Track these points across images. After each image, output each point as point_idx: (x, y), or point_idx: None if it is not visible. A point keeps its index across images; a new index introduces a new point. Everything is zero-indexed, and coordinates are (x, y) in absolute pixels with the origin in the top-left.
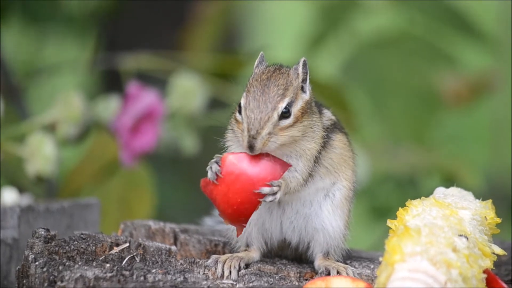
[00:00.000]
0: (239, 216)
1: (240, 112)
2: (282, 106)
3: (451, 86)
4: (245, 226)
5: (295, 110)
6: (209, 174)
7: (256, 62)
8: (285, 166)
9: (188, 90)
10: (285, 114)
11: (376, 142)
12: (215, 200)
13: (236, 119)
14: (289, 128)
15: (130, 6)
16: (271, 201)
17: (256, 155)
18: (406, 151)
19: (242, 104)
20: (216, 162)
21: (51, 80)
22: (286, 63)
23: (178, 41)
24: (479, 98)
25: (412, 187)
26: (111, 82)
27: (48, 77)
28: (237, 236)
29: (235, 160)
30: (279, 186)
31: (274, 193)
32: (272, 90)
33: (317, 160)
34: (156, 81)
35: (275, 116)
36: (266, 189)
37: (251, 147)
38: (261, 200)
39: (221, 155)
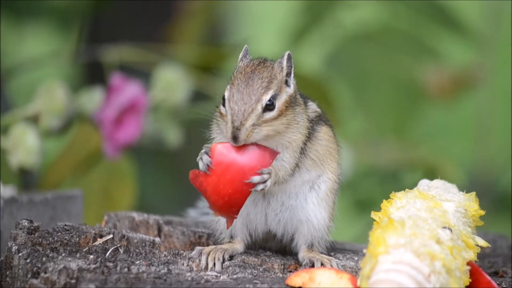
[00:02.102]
0: (231, 207)
1: (224, 105)
2: (266, 98)
3: (435, 79)
4: (236, 217)
5: (279, 103)
6: (200, 165)
7: (240, 56)
8: (274, 153)
9: (172, 82)
10: (269, 107)
11: (359, 137)
12: (205, 192)
13: (220, 112)
14: (273, 121)
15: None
16: (262, 189)
17: (244, 144)
18: (388, 147)
19: (226, 97)
20: (206, 153)
21: (33, 72)
22: (270, 56)
23: (163, 35)
24: (462, 92)
25: (395, 180)
26: (94, 74)
27: (30, 69)
28: (227, 228)
29: (224, 150)
30: (269, 173)
31: (265, 181)
32: (256, 82)
33: (303, 151)
34: (140, 73)
35: (259, 108)
36: (256, 178)
37: (234, 138)
38: (252, 190)
39: (209, 145)
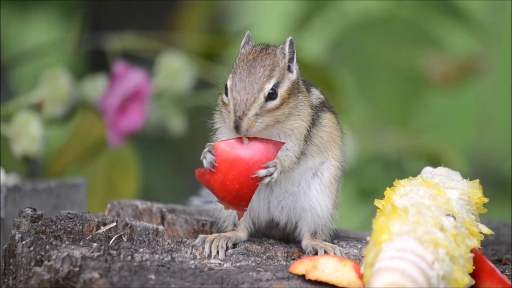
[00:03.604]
0: (240, 201)
1: (226, 94)
2: (268, 87)
3: (439, 67)
4: (246, 210)
5: (281, 91)
6: (205, 163)
7: (242, 42)
8: (278, 145)
9: (175, 70)
10: (271, 95)
11: (363, 124)
12: (213, 189)
13: (223, 101)
14: (276, 110)
15: None
16: (269, 181)
17: (247, 138)
18: (392, 134)
19: (228, 86)
20: (209, 151)
21: (37, 60)
22: (273, 43)
23: (166, 22)
24: (466, 80)
25: (399, 168)
26: (97, 62)
27: (34, 57)
28: (239, 219)
29: (227, 147)
30: (275, 166)
31: (271, 174)
32: (258, 71)
33: (307, 138)
34: (143, 61)
35: (261, 97)
36: (262, 172)
37: (237, 127)
38: (259, 183)
39: (212, 144)
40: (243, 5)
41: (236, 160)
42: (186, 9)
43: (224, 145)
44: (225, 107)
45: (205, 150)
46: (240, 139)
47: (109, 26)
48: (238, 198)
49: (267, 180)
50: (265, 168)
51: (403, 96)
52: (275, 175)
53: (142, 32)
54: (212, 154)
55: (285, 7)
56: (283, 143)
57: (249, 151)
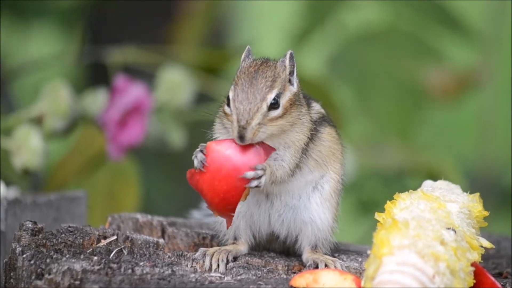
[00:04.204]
0: (226, 205)
1: (228, 105)
2: (270, 97)
3: (438, 80)
4: (233, 216)
5: (283, 101)
6: (195, 162)
7: (243, 56)
8: (269, 150)
9: (176, 84)
10: (274, 105)
11: (363, 139)
12: (201, 190)
13: (224, 112)
14: (278, 119)
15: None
16: (256, 186)
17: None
18: (392, 150)
19: (230, 97)
20: (201, 151)
21: (37, 73)
22: (273, 57)
23: (165, 36)
24: (466, 92)
25: (399, 182)
26: (98, 76)
27: (34, 70)
28: (227, 228)
29: (219, 147)
30: (263, 169)
31: (259, 177)
32: (260, 82)
33: (305, 152)
34: (143, 75)
35: (264, 107)
36: (250, 173)
37: (241, 137)
38: (246, 186)
39: (205, 144)
40: (243, 18)
41: (226, 161)
42: (185, 22)
43: (216, 145)
44: (227, 118)
45: (197, 150)
46: (233, 140)
47: (109, 39)
48: (225, 201)
49: (254, 183)
50: (253, 170)
51: (403, 108)
52: (262, 180)
53: (142, 45)
54: (204, 154)
55: (285, 21)
56: (274, 149)
57: (239, 154)
